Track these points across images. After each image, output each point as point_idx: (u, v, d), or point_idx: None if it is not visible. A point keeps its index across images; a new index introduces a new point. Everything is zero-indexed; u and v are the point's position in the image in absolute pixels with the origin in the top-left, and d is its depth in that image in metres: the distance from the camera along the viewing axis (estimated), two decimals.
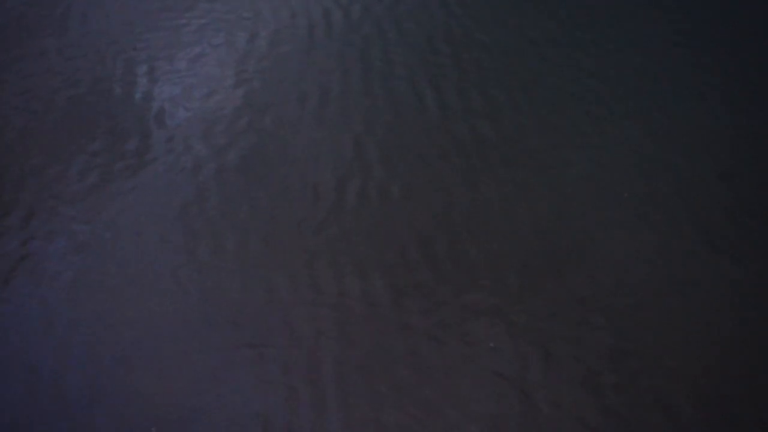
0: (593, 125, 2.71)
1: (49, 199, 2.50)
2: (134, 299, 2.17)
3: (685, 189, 2.45)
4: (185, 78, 3.01)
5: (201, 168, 2.59)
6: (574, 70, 2.98)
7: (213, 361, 2.02)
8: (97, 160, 2.64)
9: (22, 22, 3.35)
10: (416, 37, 3.17)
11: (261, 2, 3.41)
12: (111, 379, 1.99)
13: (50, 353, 2.05)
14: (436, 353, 2.00)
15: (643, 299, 2.13)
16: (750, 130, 2.68)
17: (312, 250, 2.29)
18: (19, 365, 2.03)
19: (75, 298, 2.19)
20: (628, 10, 3.28)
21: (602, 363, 1.97)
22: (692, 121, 2.72)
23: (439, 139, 2.66)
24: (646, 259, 2.23)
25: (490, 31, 3.16)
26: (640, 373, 1.95)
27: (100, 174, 2.58)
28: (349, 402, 1.91)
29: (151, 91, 2.94)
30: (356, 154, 2.59)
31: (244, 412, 1.90)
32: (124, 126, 2.79)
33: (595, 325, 2.06)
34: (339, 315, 2.11)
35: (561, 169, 2.53)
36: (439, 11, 3.28)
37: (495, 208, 2.38)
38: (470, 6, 3.31)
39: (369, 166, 2.53)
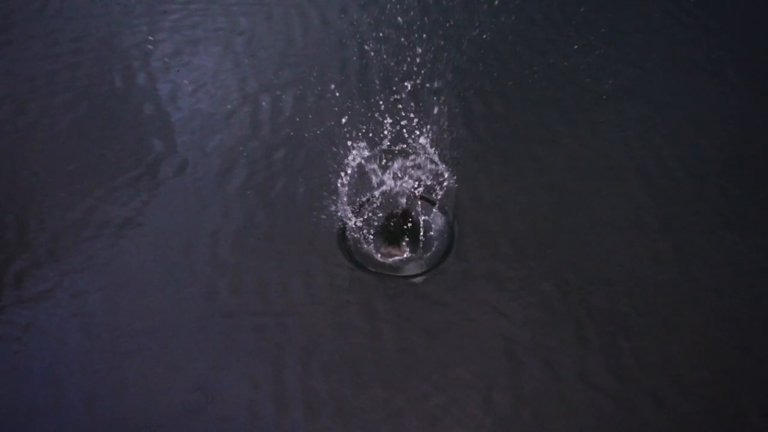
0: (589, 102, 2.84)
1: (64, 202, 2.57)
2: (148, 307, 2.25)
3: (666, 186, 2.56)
4: (191, 73, 3.08)
5: (218, 177, 2.63)
6: (567, 47, 3.09)
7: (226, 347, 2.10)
8: (105, 164, 2.70)
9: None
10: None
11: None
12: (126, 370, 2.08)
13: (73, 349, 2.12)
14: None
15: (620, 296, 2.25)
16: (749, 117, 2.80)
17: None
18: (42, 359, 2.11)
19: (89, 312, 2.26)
20: None
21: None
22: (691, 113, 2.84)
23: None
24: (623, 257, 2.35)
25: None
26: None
27: (110, 177, 2.65)
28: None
29: (156, 89, 3.01)
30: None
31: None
32: (130, 130, 2.85)
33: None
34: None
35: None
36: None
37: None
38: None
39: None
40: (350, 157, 2.37)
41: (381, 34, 3.27)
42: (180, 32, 3.32)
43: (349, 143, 2.49)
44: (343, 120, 2.78)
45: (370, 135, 2.60)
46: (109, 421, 1.97)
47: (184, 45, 3.25)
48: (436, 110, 2.55)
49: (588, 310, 2.18)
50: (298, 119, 2.85)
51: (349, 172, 2.36)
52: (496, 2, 3.37)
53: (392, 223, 2.38)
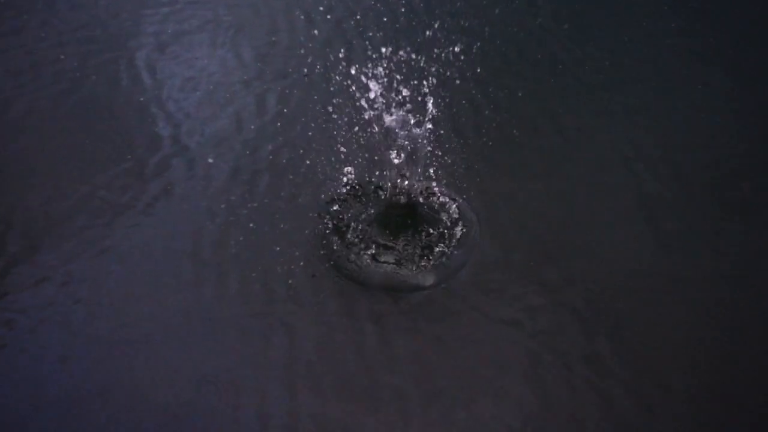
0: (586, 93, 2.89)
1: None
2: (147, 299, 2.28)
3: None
4: (184, 69, 3.10)
5: (206, 170, 2.65)
6: (562, 40, 3.14)
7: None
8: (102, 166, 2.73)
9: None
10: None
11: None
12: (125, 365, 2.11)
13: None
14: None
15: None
16: (746, 121, 2.83)
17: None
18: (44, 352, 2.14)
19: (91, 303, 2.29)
20: None
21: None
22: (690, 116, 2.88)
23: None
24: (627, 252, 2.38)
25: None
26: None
27: (99, 170, 2.67)
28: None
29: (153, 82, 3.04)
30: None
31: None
32: (128, 128, 2.88)
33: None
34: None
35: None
36: None
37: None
38: None
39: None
40: (340, 153, 2.39)
41: (369, 28, 3.30)
42: (168, 26, 3.34)
43: (338, 138, 2.53)
44: (331, 113, 2.82)
45: (360, 130, 2.63)
46: (101, 414, 1.99)
47: (172, 39, 3.27)
48: (430, 104, 2.57)
49: (588, 300, 2.21)
50: (285, 112, 2.89)
51: (337, 166, 2.37)
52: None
53: (395, 215, 2.31)
